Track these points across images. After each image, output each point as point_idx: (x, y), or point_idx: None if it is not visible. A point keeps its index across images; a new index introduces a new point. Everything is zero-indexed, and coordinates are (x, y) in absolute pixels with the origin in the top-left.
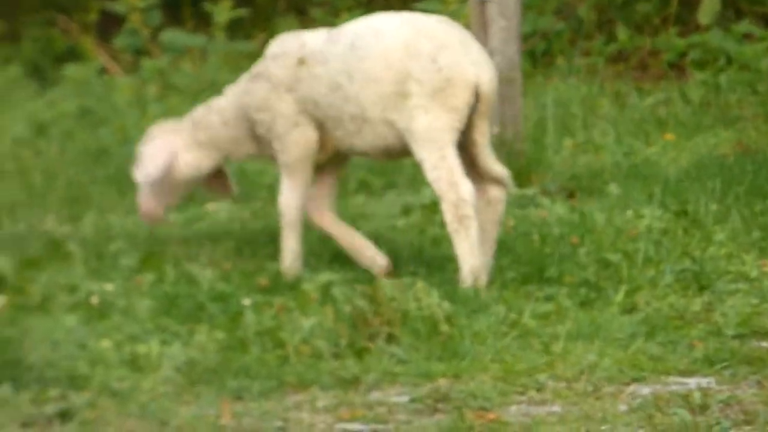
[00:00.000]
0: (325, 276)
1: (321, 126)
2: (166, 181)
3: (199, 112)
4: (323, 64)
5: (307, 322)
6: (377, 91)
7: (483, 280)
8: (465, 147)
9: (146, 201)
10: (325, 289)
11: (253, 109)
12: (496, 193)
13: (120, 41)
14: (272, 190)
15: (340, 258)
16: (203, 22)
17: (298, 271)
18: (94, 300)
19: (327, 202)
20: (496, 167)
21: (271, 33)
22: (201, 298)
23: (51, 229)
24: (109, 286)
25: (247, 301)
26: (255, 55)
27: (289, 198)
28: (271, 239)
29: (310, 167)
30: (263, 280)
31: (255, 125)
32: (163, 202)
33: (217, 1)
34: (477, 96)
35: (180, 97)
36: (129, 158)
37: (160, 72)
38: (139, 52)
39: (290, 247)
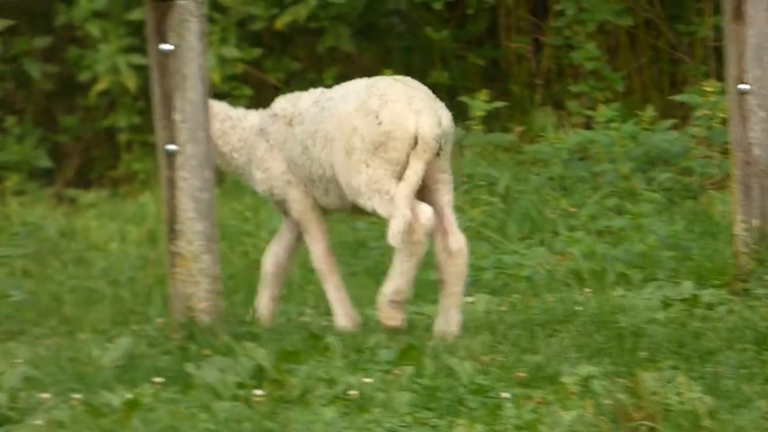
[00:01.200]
0: (584, 369)
1: (305, 186)
2: None
3: None
4: (301, 125)
5: (567, 416)
6: (332, 150)
7: (452, 333)
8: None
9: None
10: (585, 382)
11: (254, 164)
12: (455, 243)
13: None
14: (532, 282)
15: (600, 351)
16: (460, 114)
17: (355, 320)
18: (353, 393)
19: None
20: (405, 205)
21: (529, 125)
22: (460, 392)
23: (309, 322)
24: (367, 379)
25: (506, 394)
26: (512, 148)
27: (314, 253)
28: (529, 333)
29: (318, 218)
30: (522, 373)
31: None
32: None
33: (474, 94)
34: (416, 141)
35: None
36: (386, 251)
37: None
38: None
39: (337, 299)
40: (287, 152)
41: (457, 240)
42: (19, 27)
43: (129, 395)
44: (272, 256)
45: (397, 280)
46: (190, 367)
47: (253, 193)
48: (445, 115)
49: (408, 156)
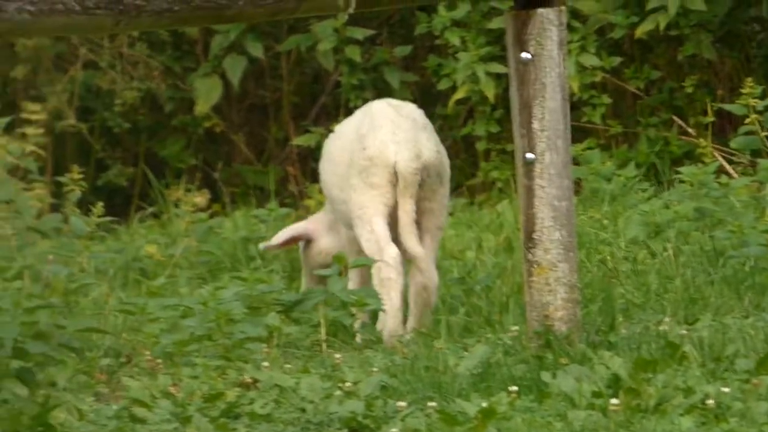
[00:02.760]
0: None
1: None
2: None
3: None
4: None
5: None
6: (336, 172)
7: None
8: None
9: None
10: None
11: None
12: (421, 279)
13: (736, 142)
14: None
15: None
16: None
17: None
18: (710, 403)
19: None
20: (413, 246)
21: None
22: None
23: (667, 330)
24: (725, 389)
25: None
26: None
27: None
28: None
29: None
30: None
31: None
32: None
33: None
34: (396, 174)
35: None
36: (746, 260)
37: None
38: (756, 153)
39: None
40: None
41: (425, 275)
42: (380, 36)
43: (484, 404)
44: None
45: (388, 323)
46: (545, 376)
47: (611, 200)
48: (428, 147)
49: (389, 185)
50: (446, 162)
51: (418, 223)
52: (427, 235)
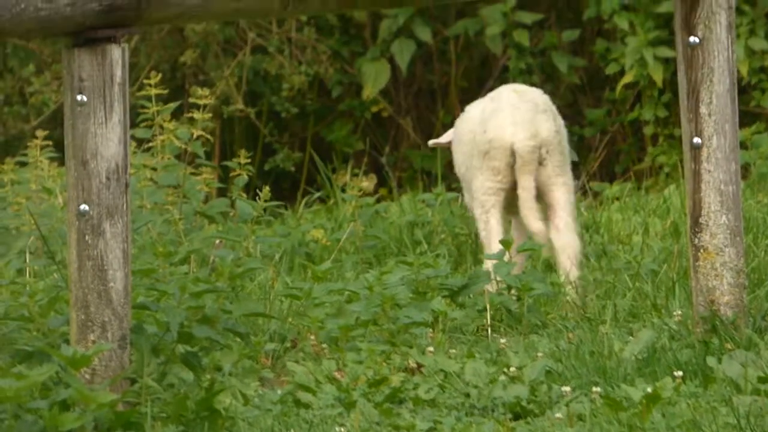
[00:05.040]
0: None
1: None
2: None
3: None
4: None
5: None
6: (462, 152)
7: None
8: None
9: None
10: None
11: None
12: (560, 240)
13: None
14: None
15: None
16: None
17: None
18: None
19: None
20: (532, 222)
21: None
22: None
23: None
24: None
25: None
26: None
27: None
28: None
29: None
30: None
31: None
32: None
33: None
34: (513, 155)
35: None
36: None
37: None
38: None
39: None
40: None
41: (564, 237)
42: (548, 20)
43: (649, 389)
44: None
45: None
46: (711, 361)
47: None
48: (546, 127)
49: (508, 168)
50: (566, 143)
51: (549, 199)
52: (559, 209)
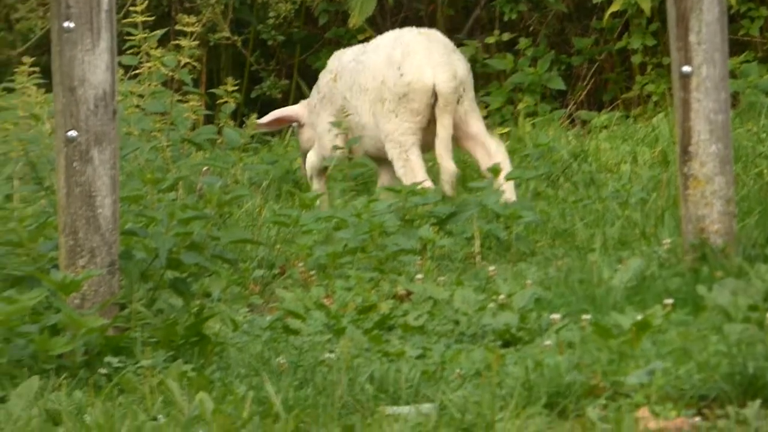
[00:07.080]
0: None
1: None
2: None
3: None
4: (341, 79)
5: None
6: (367, 99)
7: None
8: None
9: None
10: None
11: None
12: (492, 144)
13: None
14: None
15: None
16: None
17: None
18: None
19: None
20: (446, 160)
21: None
22: None
23: None
24: None
25: None
26: None
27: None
28: None
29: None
30: None
31: None
32: None
33: None
34: (435, 95)
35: None
36: None
37: None
38: None
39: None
40: (333, 105)
41: (494, 141)
42: None
43: (639, 317)
44: None
45: None
46: (701, 289)
47: None
48: (461, 66)
49: (428, 107)
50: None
51: (467, 131)
52: (479, 134)
